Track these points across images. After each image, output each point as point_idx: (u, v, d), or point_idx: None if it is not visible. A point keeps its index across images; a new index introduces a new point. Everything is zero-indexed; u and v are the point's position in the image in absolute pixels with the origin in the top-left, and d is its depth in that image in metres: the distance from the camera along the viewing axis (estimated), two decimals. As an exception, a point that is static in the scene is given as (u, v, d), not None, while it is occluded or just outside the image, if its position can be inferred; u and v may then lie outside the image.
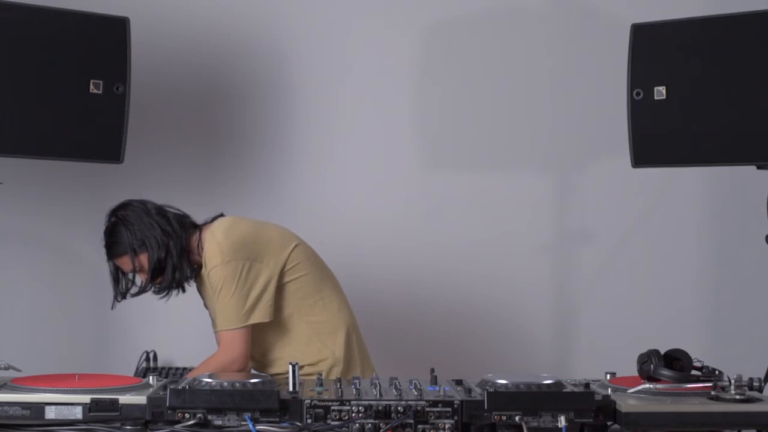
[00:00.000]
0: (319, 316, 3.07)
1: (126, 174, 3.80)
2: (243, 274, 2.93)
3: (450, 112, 4.13)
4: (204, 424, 2.24)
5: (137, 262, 3.01)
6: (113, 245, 3.03)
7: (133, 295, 3.10)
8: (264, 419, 2.23)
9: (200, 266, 3.07)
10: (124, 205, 3.07)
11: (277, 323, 3.02)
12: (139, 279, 3.08)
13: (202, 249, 3.01)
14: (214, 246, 2.96)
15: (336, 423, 2.22)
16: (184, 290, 3.13)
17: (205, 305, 3.15)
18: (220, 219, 3.09)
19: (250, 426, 2.18)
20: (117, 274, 3.09)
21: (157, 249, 2.99)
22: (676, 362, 2.49)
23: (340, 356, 3.05)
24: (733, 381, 2.33)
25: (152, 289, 3.08)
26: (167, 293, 3.09)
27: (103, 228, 3.06)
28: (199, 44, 4.03)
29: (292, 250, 3.05)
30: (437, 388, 2.33)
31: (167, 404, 2.24)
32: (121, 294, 3.09)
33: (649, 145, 3.24)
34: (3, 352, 2.83)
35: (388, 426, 2.20)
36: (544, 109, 4.12)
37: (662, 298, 4.12)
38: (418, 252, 4.07)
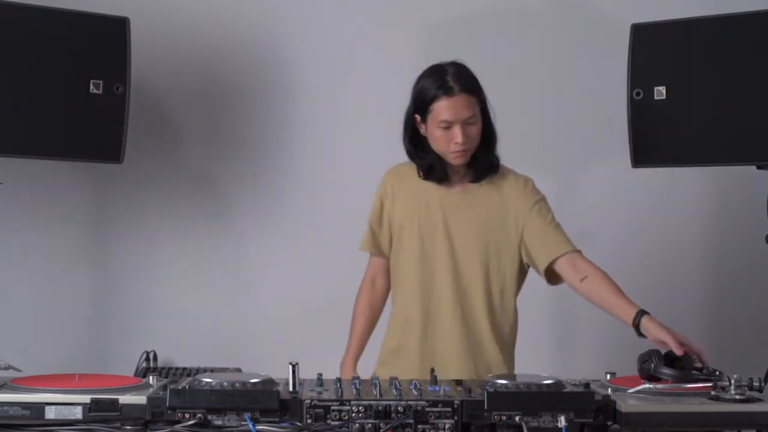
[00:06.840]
0: None
1: (126, 174, 3.81)
2: None
3: (450, 112, 4.12)
4: (204, 424, 2.24)
5: (479, 116, 2.98)
6: (478, 86, 3.03)
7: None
8: (264, 419, 2.23)
9: None
10: None
11: None
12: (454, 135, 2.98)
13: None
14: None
15: (336, 423, 2.21)
16: (443, 177, 3.05)
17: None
18: None
19: (250, 426, 2.18)
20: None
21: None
22: (676, 362, 2.49)
23: None
24: (733, 381, 2.33)
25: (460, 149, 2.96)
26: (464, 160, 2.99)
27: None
28: (199, 44, 4.03)
29: None
30: (437, 388, 2.33)
31: (167, 404, 2.23)
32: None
33: (649, 145, 3.24)
34: (3, 352, 2.82)
35: (388, 426, 2.20)
36: (544, 110, 4.12)
37: (662, 298, 4.11)
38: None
